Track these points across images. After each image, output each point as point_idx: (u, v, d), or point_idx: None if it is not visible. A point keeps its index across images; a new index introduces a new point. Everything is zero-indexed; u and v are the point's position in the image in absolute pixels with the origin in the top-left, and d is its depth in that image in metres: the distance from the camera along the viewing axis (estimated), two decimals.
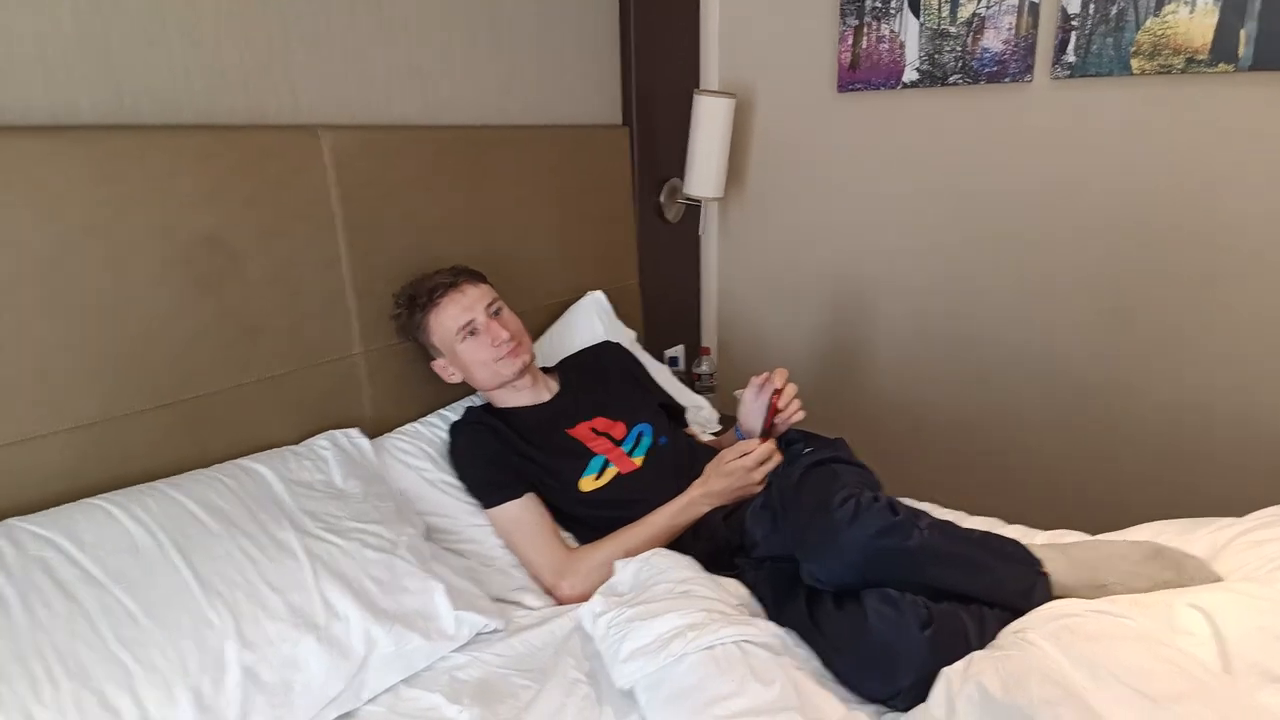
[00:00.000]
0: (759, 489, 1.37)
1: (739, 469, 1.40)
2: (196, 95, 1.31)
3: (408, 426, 1.61)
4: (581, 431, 1.56)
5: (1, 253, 1.07)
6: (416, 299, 1.52)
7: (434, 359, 1.57)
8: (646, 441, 1.56)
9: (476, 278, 1.56)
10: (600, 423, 1.58)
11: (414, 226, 1.62)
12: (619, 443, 1.55)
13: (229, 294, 1.33)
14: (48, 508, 1.10)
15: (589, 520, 1.51)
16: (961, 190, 2.13)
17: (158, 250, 1.23)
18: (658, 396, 1.79)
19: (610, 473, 1.51)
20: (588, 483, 1.50)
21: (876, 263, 2.33)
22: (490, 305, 1.52)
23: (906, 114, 2.16)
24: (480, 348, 1.51)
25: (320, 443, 1.42)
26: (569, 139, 2.01)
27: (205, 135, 1.29)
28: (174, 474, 1.24)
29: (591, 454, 1.52)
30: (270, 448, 1.37)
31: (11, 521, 1.05)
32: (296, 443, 1.42)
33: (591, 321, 1.98)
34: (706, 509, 1.42)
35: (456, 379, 1.58)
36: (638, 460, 1.53)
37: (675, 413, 1.83)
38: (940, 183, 2.16)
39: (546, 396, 1.62)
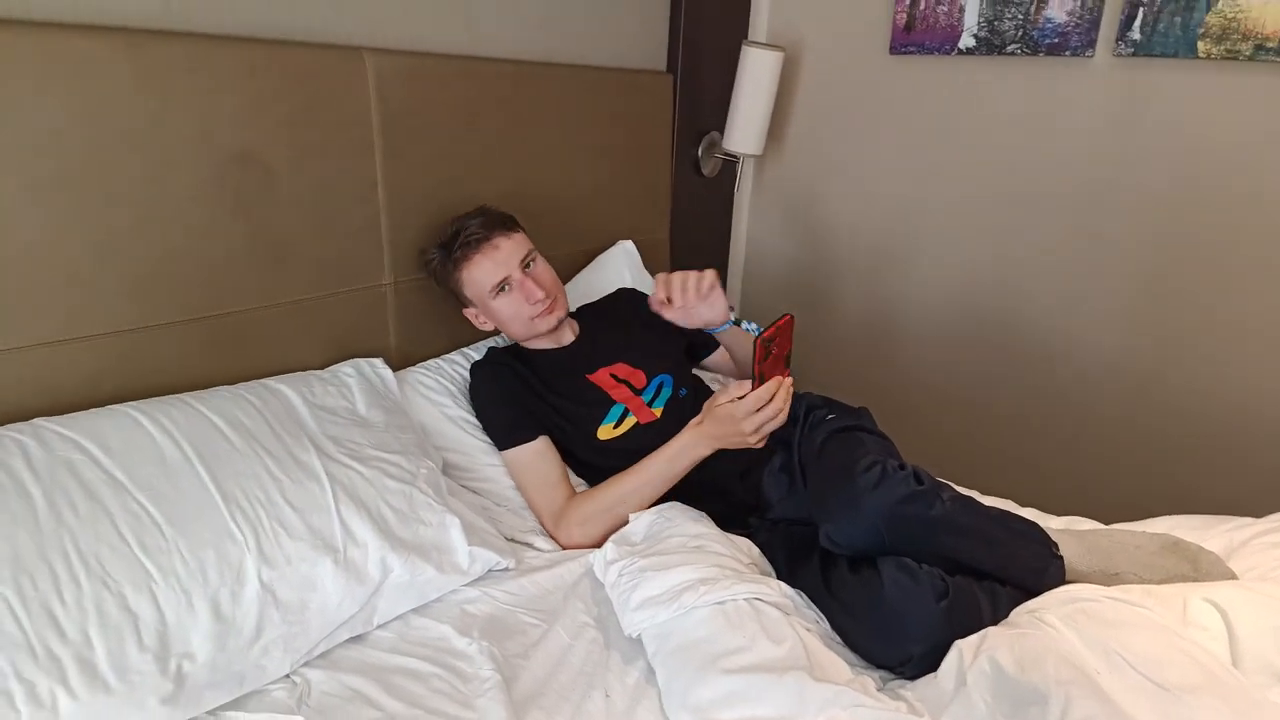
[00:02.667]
0: (755, 443, 1.26)
1: (728, 416, 1.25)
2: (242, 6, 1.28)
3: (430, 361, 1.60)
4: (602, 377, 1.55)
5: (43, 152, 1.06)
6: (449, 249, 1.49)
7: (465, 306, 1.56)
8: (667, 392, 1.55)
9: (509, 226, 1.50)
10: (621, 369, 1.56)
11: (451, 159, 1.60)
12: (639, 392, 1.54)
13: (262, 213, 1.32)
14: (75, 411, 1.11)
15: (605, 468, 1.50)
16: (1009, 164, 2.08)
17: (195, 163, 1.22)
18: (680, 340, 1.73)
19: (629, 422, 1.50)
20: (606, 430, 1.49)
21: (913, 233, 2.29)
22: (524, 260, 1.49)
23: (959, 81, 2.10)
24: (515, 303, 1.48)
25: (345, 369, 1.42)
26: (611, 82, 1.97)
27: (251, 49, 1.26)
28: (199, 389, 1.24)
29: (612, 402, 1.51)
30: (295, 371, 1.38)
31: (39, 421, 1.06)
32: (321, 368, 1.42)
33: (620, 271, 1.96)
34: (706, 452, 1.32)
35: (489, 328, 1.57)
36: (657, 411, 1.51)
37: (704, 346, 1.79)
38: (988, 155, 2.11)
39: (568, 340, 1.61)
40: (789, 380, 1.26)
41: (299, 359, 1.40)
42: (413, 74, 1.49)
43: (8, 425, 1.04)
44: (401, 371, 1.54)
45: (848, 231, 2.42)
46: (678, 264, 2.32)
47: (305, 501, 1.11)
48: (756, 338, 1.17)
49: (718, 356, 1.81)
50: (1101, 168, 1.95)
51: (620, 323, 1.68)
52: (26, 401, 1.10)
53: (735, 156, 2.37)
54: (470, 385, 1.56)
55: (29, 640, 0.86)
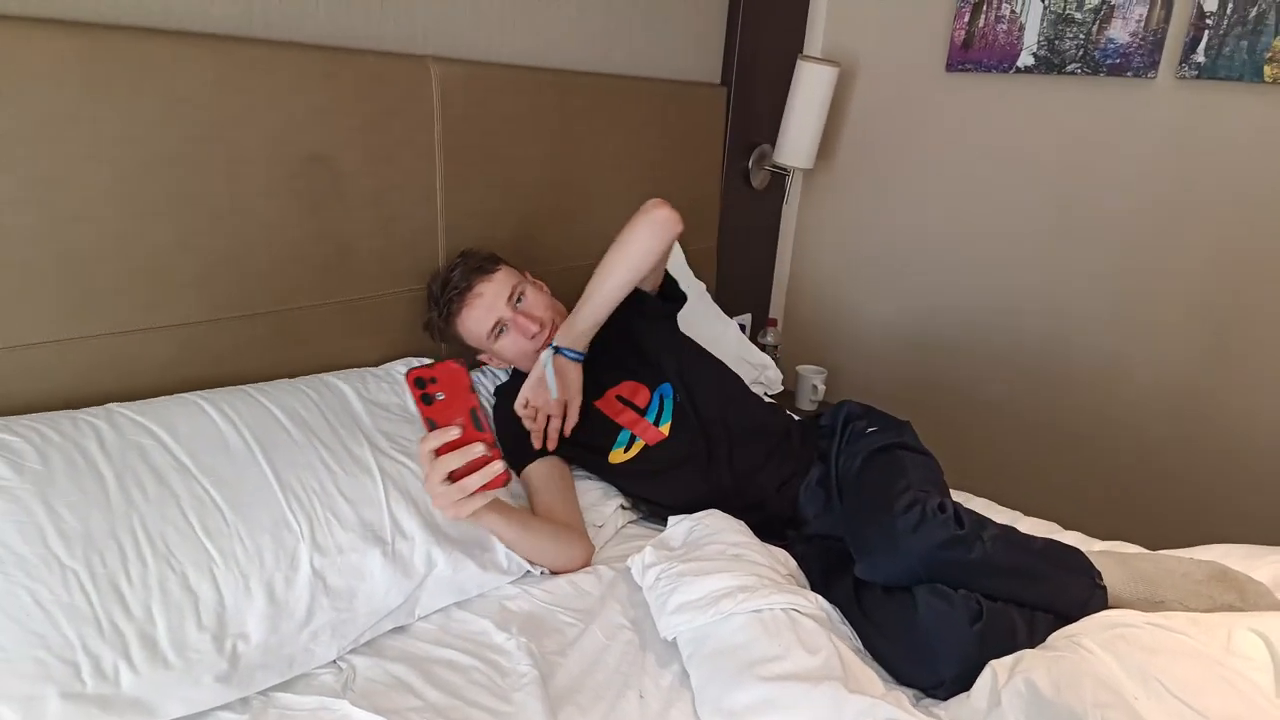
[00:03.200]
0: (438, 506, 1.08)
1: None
2: (320, 15, 1.34)
3: (472, 372, 1.63)
4: (608, 402, 1.51)
5: (130, 148, 1.12)
6: (438, 310, 1.46)
7: (478, 354, 1.54)
8: (669, 405, 1.50)
9: (488, 268, 1.44)
10: (626, 388, 1.51)
11: (507, 165, 1.64)
12: (643, 412, 1.49)
13: (329, 214, 1.37)
14: (144, 398, 1.16)
15: (624, 489, 1.51)
16: (1066, 186, 2.06)
17: (269, 163, 1.27)
18: (669, 325, 1.61)
19: (637, 446, 1.47)
20: (617, 455, 1.47)
21: (964, 252, 2.28)
22: (512, 296, 1.44)
23: (1017, 100, 2.09)
24: (515, 342, 1.45)
25: (398, 368, 1.46)
26: (666, 93, 1.99)
27: (326, 55, 1.32)
28: (262, 380, 1.29)
29: (619, 428, 1.48)
30: (351, 367, 1.42)
31: (113, 406, 1.11)
32: (376, 365, 1.46)
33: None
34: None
35: (508, 365, 1.55)
36: (664, 429, 1.47)
37: (673, 298, 1.64)
38: (1044, 176, 2.09)
39: None
40: (496, 464, 1.05)
41: (356, 356, 1.45)
42: (475, 82, 1.54)
43: (83, 409, 1.10)
44: None
45: (896, 247, 2.42)
46: (724, 275, 2.33)
47: (357, 493, 1.15)
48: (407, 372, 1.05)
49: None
50: (1160, 190, 1.92)
51: (623, 331, 1.52)
52: (102, 386, 1.16)
53: (785, 170, 2.38)
54: (494, 407, 1.56)
55: (96, 615, 0.90)
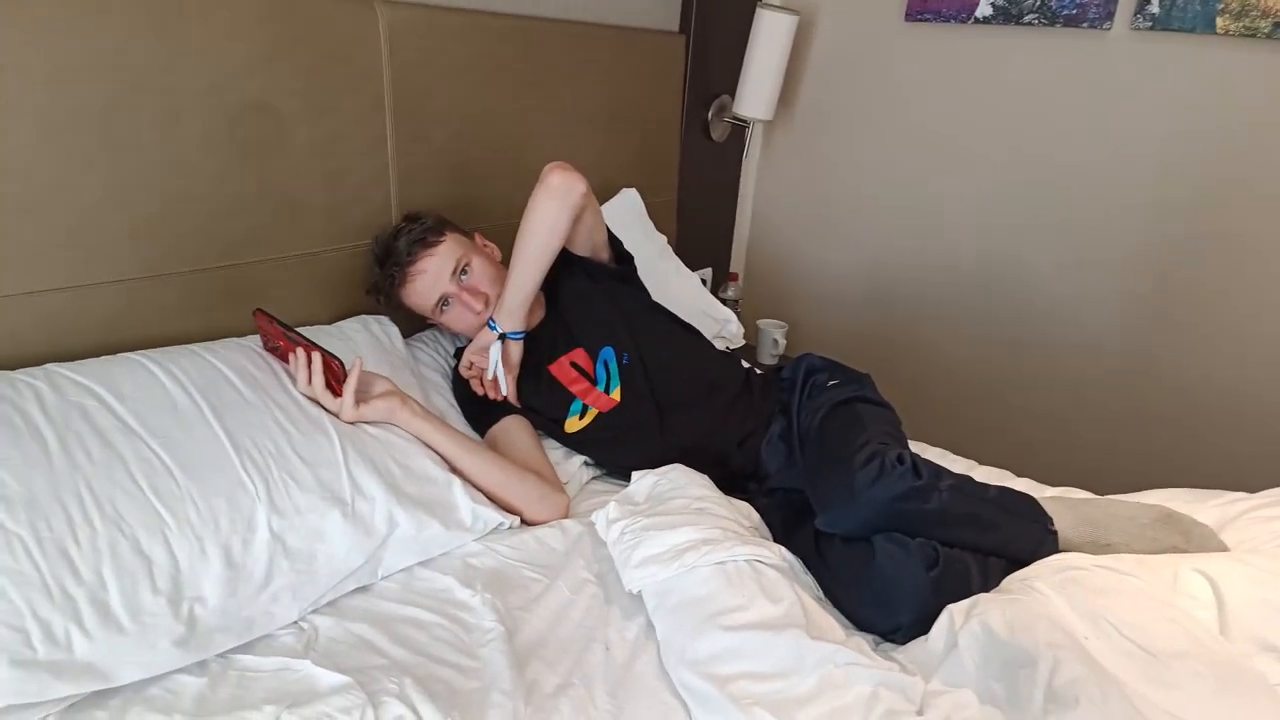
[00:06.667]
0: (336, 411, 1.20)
1: None
2: None
3: (426, 333, 1.62)
4: (561, 368, 1.49)
5: (58, 95, 1.06)
6: (381, 281, 1.43)
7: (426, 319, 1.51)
8: (614, 368, 1.48)
9: (431, 241, 1.40)
10: (580, 354, 1.49)
11: (460, 115, 1.59)
12: (594, 381, 1.48)
13: (273, 165, 1.31)
14: (85, 358, 1.11)
15: (583, 454, 1.51)
16: (1021, 136, 2.07)
17: (207, 113, 1.21)
18: (620, 287, 1.58)
19: (590, 414, 1.47)
20: (572, 424, 1.47)
21: (921, 203, 2.29)
22: (456, 270, 1.41)
23: (974, 50, 2.09)
24: (460, 315, 1.43)
25: (351, 325, 1.43)
26: (623, 41, 1.95)
27: None
28: (208, 339, 1.25)
29: (572, 398, 1.47)
30: (303, 325, 1.38)
31: (51, 367, 1.07)
32: (328, 323, 1.42)
33: (625, 221, 1.88)
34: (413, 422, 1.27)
35: (456, 335, 1.54)
36: (615, 395, 1.46)
37: (622, 258, 1.62)
38: (1000, 125, 2.10)
39: (535, 321, 1.50)
40: (308, 353, 1.20)
41: (307, 313, 1.40)
42: (424, 26, 1.48)
43: (20, 369, 1.05)
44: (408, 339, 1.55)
45: (855, 201, 2.42)
46: (685, 228, 2.32)
47: (314, 454, 1.12)
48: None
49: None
50: (1112, 142, 1.94)
51: (573, 297, 1.52)
52: (39, 347, 1.10)
53: (745, 121, 2.35)
54: (453, 369, 1.54)
55: (44, 580, 0.88)
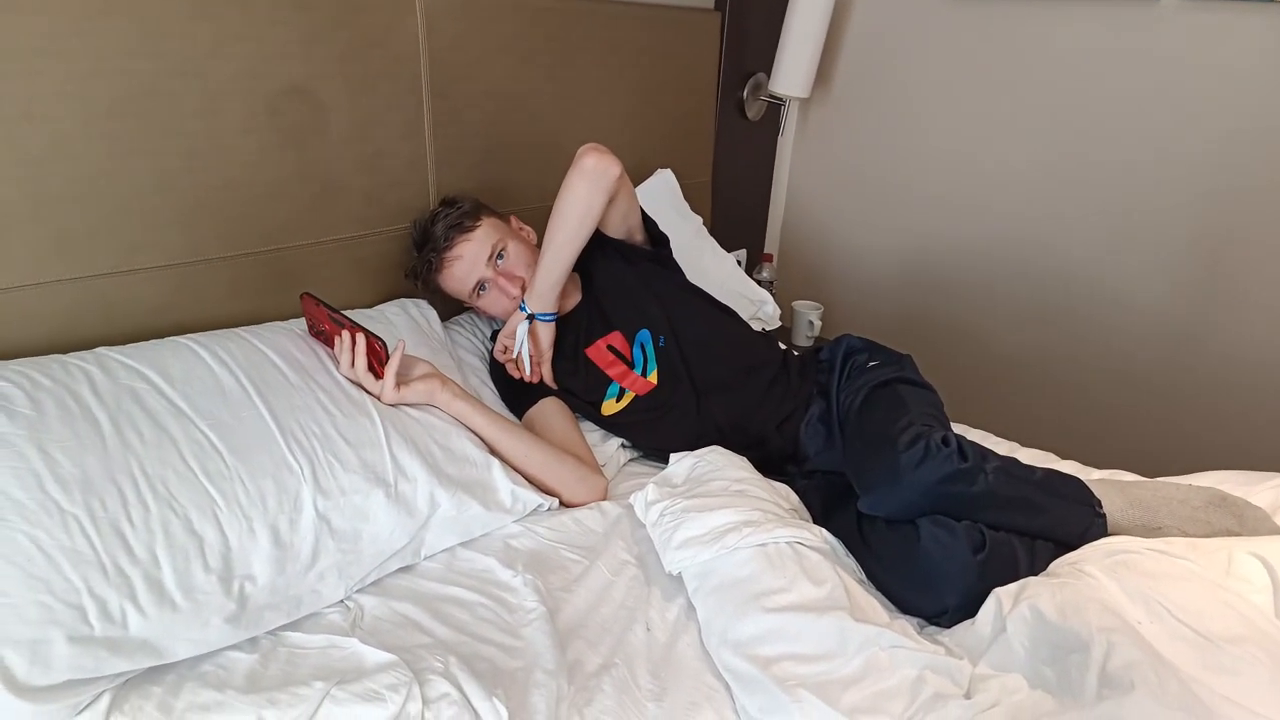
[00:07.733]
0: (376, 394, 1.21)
1: None
2: None
3: (463, 316, 1.63)
4: (598, 351, 1.48)
5: (104, 80, 1.07)
6: (419, 266, 1.44)
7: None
8: (651, 351, 1.48)
9: (468, 225, 1.41)
10: (616, 338, 1.48)
11: (496, 98, 1.59)
12: (631, 364, 1.48)
13: (312, 149, 1.32)
14: (133, 341, 1.13)
15: (620, 437, 1.51)
16: (1065, 108, 2.02)
17: (248, 96, 1.22)
18: (654, 268, 1.56)
19: (628, 397, 1.46)
20: (609, 406, 1.47)
21: (962, 184, 2.24)
22: (492, 255, 1.42)
23: (1020, 23, 2.04)
24: (496, 300, 1.44)
25: (391, 309, 1.44)
26: (658, 20, 1.93)
27: None
28: (251, 323, 1.27)
29: (609, 381, 1.47)
30: (344, 309, 1.39)
31: (101, 350, 1.09)
32: (369, 306, 1.44)
33: (660, 203, 1.88)
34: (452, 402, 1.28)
35: (493, 319, 1.55)
36: (653, 378, 1.46)
37: (657, 240, 1.61)
38: (1044, 100, 2.04)
39: (571, 305, 1.51)
40: (353, 335, 1.20)
41: (348, 297, 1.42)
42: (461, 9, 1.48)
43: (73, 353, 1.07)
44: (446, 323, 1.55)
45: (893, 180, 2.38)
46: (720, 209, 2.30)
47: (358, 436, 1.13)
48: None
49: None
50: (1163, 118, 1.88)
51: (610, 280, 1.51)
52: (89, 331, 1.13)
53: (781, 99, 2.32)
54: (489, 352, 1.55)
55: (100, 558, 0.89)
